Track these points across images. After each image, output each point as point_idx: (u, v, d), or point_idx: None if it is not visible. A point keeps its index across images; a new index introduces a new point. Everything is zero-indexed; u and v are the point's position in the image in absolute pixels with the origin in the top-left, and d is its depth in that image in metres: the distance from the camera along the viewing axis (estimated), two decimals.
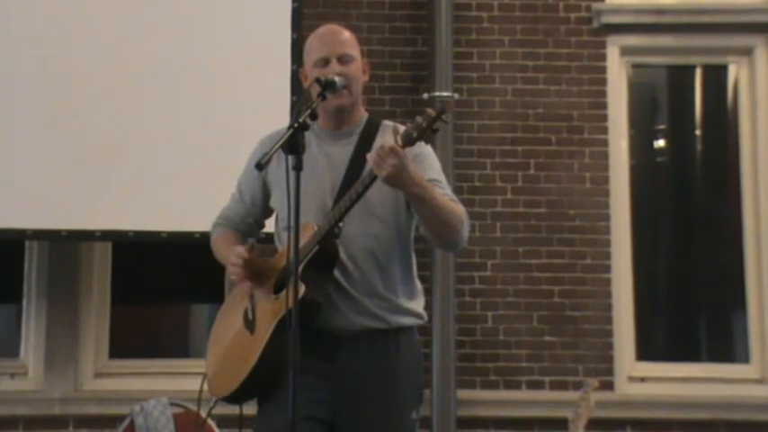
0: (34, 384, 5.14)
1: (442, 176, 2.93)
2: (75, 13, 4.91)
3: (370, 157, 2.67)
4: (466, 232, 2.85)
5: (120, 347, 5.29)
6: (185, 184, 4.81)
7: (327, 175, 2.90)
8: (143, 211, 4.81)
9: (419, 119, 2.64)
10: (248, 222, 3.13)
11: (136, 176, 4.83)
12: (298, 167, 2.59)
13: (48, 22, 4.89)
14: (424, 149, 2.87)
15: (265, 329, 2.81)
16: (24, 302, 5.23)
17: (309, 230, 2.79)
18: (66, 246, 5.13)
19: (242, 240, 3.12)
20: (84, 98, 4.84)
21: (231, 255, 2.92)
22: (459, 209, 2.84)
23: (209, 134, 4.83)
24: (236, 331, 2.95)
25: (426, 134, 2.64)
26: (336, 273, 2.83)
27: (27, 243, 5.19)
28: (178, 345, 5.66)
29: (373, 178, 2.69)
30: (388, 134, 2.74)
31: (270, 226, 3.16)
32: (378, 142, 2.86)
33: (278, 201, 2.97)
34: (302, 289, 2.67)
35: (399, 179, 2.65)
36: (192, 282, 5.52)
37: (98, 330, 5.23)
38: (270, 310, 2.84)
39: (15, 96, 4.84)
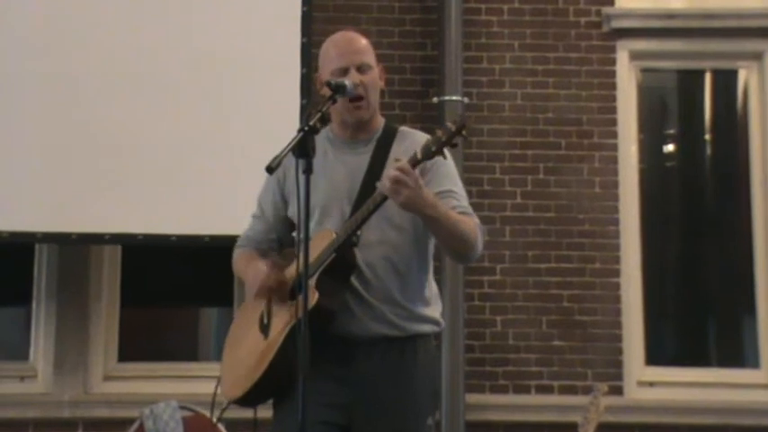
0: (43, 387, 5.14)
1: (457, 186, 2.93)
2: (84, 18, 4.91)
3: (383, 184, 2.68)
4: (479, 245, 2.86)
5: (130, 350, 5.29)
6: (195, 187, 4.81)
7: (345, 183, 2.90)
8: (152, 215, 4.82)
9: (439, 132, 2.65)
10: (271, 238, 3.09)
11: (145, 180, 4.84)
12: (308, 171, 2.59)
13: (54, 24, 4.90)
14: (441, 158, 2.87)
15: (278, 335, 2.82)
16: (34, 305, 5.24)
17: (328, 237, 2.80)
18: (75, 249, 5.13)
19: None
20: (94, 102, 4.85)
21: (254, 273, 2.91)
22: (471, 223, 2.85)
23: (219, 138, 4.84)
24: (251, 334, 2.95)
25: (446, 148, 2.66)
26: (354, 280, 2.82)
27: (37, 246, 5.20)
28: (187, 348, 5.65)
29: (386, 196, 2.70)
30: (405, 143, 2.74)
31: None
32: (394, 150, 2.88)
33: (296, 209, 2.96)
34: (316, 296, 2.69)
35: (414, 204, 2.68)
36: (202, 285, 5.52)
37: (107, 333, 5.24)
38: (284, 316, 2.84)
39: (24, 99, 4.85)
